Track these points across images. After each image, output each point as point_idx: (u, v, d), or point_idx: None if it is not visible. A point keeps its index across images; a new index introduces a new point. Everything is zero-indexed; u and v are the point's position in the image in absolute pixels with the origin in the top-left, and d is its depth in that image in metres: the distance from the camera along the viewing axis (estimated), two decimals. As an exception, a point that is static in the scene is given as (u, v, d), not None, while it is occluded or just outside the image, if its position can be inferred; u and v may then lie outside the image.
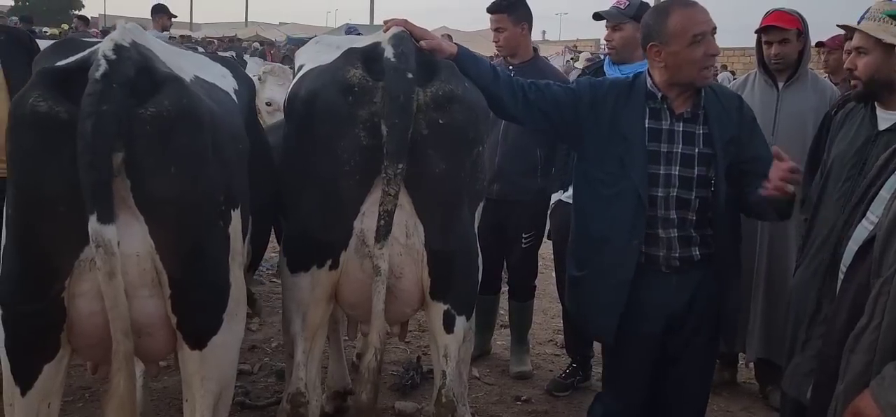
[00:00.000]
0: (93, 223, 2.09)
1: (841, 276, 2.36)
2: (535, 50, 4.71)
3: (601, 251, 2.97)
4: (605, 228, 2.94)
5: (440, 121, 2.66)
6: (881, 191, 2.32)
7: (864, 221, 2.33)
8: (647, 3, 4.11)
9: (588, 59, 14.28)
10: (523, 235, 4.53)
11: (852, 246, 2.32)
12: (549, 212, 4.50)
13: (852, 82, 3.03)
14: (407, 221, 2.70)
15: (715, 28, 2.82)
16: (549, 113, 2.99)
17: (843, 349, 2.21)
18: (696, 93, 2.91)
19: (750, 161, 2.89)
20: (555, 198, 4.33)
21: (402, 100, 2.55)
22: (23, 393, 2.32)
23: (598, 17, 4.27)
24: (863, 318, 2.15)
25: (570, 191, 4.15)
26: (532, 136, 4.26)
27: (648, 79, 2.92)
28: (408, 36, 2.74)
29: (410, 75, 2.59)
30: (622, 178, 2.88)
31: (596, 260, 3.00)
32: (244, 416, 4.09)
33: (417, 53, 2.71)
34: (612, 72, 4.07)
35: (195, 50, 5.93)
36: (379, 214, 2.59)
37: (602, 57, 5.01)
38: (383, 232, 2.59)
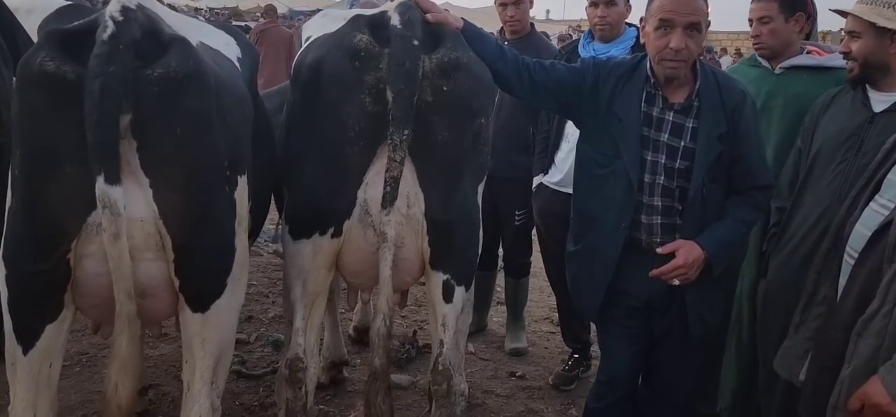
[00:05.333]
0: (100, 184, 2.10)
1: (849, 260, 2.36)
2: (532, 26, 4.72)
3: (592, 229, 3.00)
4: (597, 207, 2.96)
5: (444, 89, 2.66)
6: (889, 175, 2.32)
7: (873, 205, 2.33)
8: None
9: (560, 38, 13.93)
10: (516, 212, 4.54)
11: (863, 231, 2.32)
12: (532, 196, 4.49)
13: (848, 65, 2.99)
14: (408, 191, 2.71)
15: (693, 24, 2.76)
16: (556, 93, 3.00)
17: (849, 333, 2.22)
18: (691, 83, 2.89)
19: (733, 160, 2.90)
20: (536, 181, 4.34)
21: (407, 66, 2.56)
22: (25, 353, 2.33)
23: None
24: (874, 303, 2.15)
25: (551, 173, 4.18)
26: (524, 114, 4.27)
27: (649, 63, 2.91)
28: (414, 5, 2.75)
29: (416, 42, 2.60)
30: (615, 159, 2.89)
31: (587, 237, 3.03)
32: (240, 385, 4.12)
33: (424, 22, 2.72)
34: (586, 53, 4.02)
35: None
36: (385, 180, 2.61)
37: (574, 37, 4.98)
38: (389, 199, 2.61)
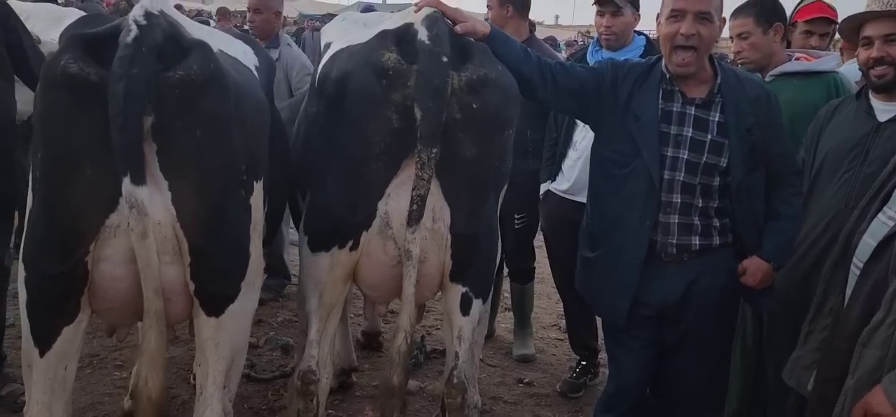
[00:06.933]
0: (126, 184, 2.13)
1: (856, 271, 2.37)
2: (532, 31, 4.72)
3: (615, 231, 2.97)
4: (619, 207, 2.94)
5: (473, 106, 2.62)
6: None
7: (881, 216, 2.34)
8: None
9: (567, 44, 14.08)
10: (515, 216, 4.50)
11: (870, 241, 2.32)
12: (538, 203, 4.47)
13: (880, 71, 2.96)
14: (434, 205, 2.66)
15: (703, 12, 2.79)
16: (577, 94, 2.99)
17: (854, 343, 2.22)
18: (711, 79, 2.90)
19: (770, 151, 2.93)
20: (543, 188, 4.33)
21: (436, 83, 2.52)
22: (41, 355, 2.35)
23: (601, 2, 4.12)
24: (878, 313, 2.16)
25: (558, 181, 4.17)
26: (522, 118, 4.25)
27: (664, 61, 2.92)
28: (441, 17, 2.70)
29: (445, 58, 2.55)
30: (634, 158, 2.88)
31: (609, 241, 3.00)
32: (249, 388, 4.12)
33: (451, 35, 2.67)
34: (594, 61, 4.01)
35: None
36: (411, 198, 2.57)
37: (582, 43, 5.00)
38: (415, 217, 2.57)
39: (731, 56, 4.02)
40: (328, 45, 3.10)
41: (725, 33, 3.41)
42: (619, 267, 2.97)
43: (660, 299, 2.96)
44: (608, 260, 3.01)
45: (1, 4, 3.64)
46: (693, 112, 2.87)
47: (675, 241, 2.90)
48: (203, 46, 2.31)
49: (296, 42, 8.09)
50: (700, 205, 2.89)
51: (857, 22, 3.04)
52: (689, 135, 2.86)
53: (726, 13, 3.07)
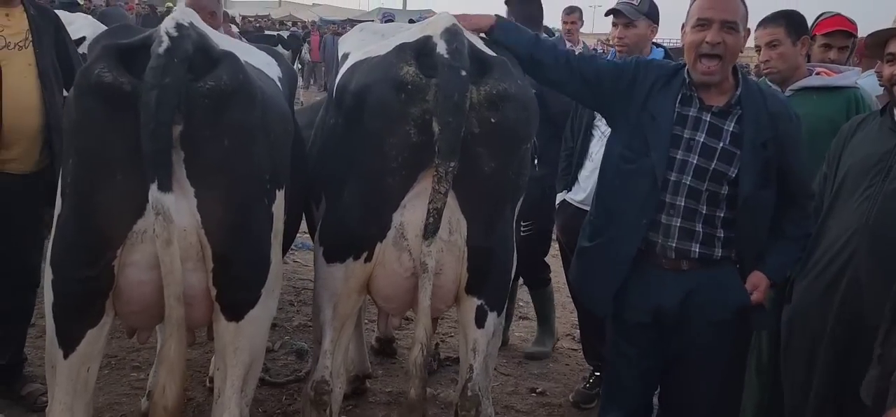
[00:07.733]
0: (153, 191, 2.17)
1: None
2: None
3: (613, 223, 2.98)
4: (621, 201, 2.95)
5: (492, 120, 2.61)
6: None
7: None
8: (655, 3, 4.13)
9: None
10: (521, 223, 4.45)
11: None
12: (546, 210, 4.49)
13: None
14: (450, 217, 2.65)
15: (729, 22, 2.80)
16: (590, 80, 3.01)
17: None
18: (732, 89, 2.90)
19: (786, 170, 2.92)
20: (559, 198, 4.33)
21: (456, 98, 2.51)
22: (65, 356, 2.39)
23: (614, 13, 4.13)
24: None
25: (574, 191, 4.19)
26: None
27: (687, 68, 2.94)
28: (461, 30, 2.70)
29: (464, 73, 2.55)
30: (643, 156, 2.89)
31: (607, 232, 3.01)
32: (263, 392, 4.14)
33: (470, 49, 2.67)
34: None
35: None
36: (428, 211, 2.57)
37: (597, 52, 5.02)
38: (432, 230, 2.57)
39: (753, 67, 4.02)
40: (346, 56, 3.11)
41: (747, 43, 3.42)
42: (610, 261, 2.98)
43: (654, 305, 2.94)
44: (600, 251, 3.03)
45: (53, 16, 3.74)
46: (708, 119, 2.88)
47: (674, 245, 2.89)
48: (232, 57, 2.35)
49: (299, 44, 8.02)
50: (704, 211, 2.88)
51: (882, 38, 3.02)
52: (702, 140, 2.86)
53: (751, 24, 3.08)
